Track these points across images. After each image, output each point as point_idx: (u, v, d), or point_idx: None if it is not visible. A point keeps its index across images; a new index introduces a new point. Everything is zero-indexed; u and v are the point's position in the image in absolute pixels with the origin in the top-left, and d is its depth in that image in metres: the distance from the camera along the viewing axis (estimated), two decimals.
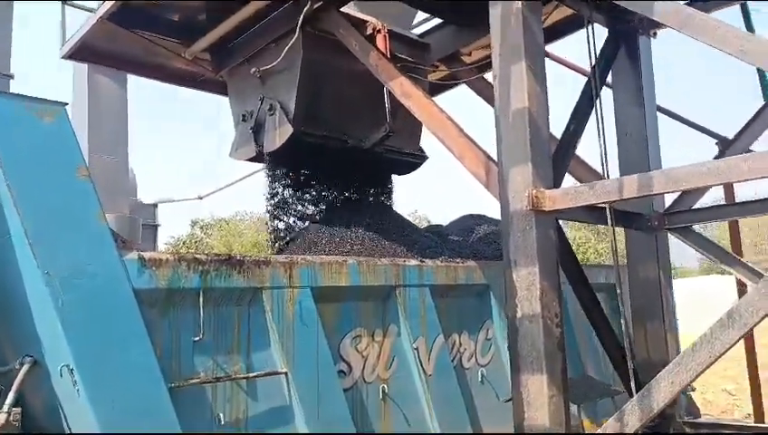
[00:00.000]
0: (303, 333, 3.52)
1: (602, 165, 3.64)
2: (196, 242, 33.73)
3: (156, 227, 9.80)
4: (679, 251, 5.86)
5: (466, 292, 4.63)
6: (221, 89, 5.85)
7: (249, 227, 34.12)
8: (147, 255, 2.98)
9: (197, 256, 3.14)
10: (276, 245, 4.90)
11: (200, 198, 11.16)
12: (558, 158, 3.74)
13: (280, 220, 4.96)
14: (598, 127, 3.64)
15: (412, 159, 5.56)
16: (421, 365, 4.09)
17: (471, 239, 6.11)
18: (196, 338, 3.10)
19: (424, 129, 5.38)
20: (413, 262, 4.26)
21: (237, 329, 3.31)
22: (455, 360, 4.43)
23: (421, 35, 5.73)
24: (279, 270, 3.46)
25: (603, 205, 3.59)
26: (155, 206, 9.73)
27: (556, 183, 3.42)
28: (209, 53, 5.36)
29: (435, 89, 5.84)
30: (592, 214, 3.76)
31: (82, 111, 8.35)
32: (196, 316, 3.10)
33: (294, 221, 5.12)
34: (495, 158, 3.41)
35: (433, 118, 3.78)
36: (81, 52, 5.28)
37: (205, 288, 3.13)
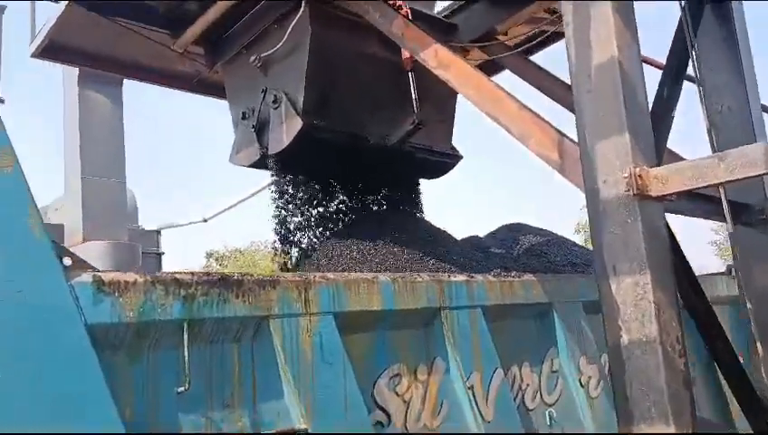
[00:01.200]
0: (326, 374, 2.64)
1: (710, 138, 2.77)
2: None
3: (160, 255, 9.01)
4: None
5: (525, 313, 3.75)
6: (219, 91, 5.08)
7: (265, 256, 33.60)
8: (106, 276, 2.13)
9: (179, 276, 2.29)
10: (286, 265, 4.06)
11: (205, 221, 10.37)
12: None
13: (289, 236, 4.12)
14: (700, 94, 2.79)
15: (444, 159, 4.72)
16: (478, 409, 3.19)
17: (516, 252, 5.23)
18: (181, 389, 2.24)
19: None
20: (460, 277, 3.38)
21: (237, 373, 2.45)
22: (517, 399, 3.53)
23: (446, 16, 4.93)
24: (291, 292, 2.60)
25: (712, 193, 2.72)
26: (158, 232, 8.96)
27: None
28: (202, 46, 4.59)
29: None
30: (697, 204, 2.88)
31: (74, 130, 7.62)
32: (179, 359, 2.25)
33: (306, 236, 4.28)
34: (572, 139, 2.57)
35: (483, 91, 2.94)
36: (53, 49, 4.54)
37: (191, 320, 2.28)
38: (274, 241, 4.11)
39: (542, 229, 6.03)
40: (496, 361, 3.38)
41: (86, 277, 2.09)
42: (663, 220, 2.39)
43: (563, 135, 2.65)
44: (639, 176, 2.29)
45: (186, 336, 2.25)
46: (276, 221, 4.21)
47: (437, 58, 3.10)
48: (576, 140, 2.57)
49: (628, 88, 2.37)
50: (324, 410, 2.59)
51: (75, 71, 7.54)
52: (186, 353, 2.24)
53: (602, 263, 2.39)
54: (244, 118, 4.33)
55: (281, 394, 2.53)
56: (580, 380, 3.88)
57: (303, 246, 4.27)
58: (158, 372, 2.23)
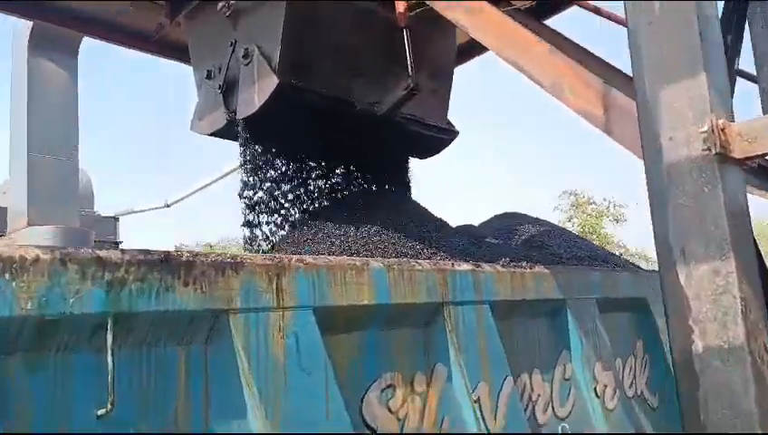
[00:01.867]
0: (303, 384, 2.04)
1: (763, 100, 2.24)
2: None
3: (117, 244, 8.26)
4: None
5: (536, 310, 3.20)
6: (180, 53, 4.42)
7: (237, 253, 32.99)
8: None
9: (103, 253, 1.66)
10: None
11: (168, 206, 9.60)
12: None
13: (259, 216, 3.50)
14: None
15: (439, 135, 4.14)
16: (485, 426, 2.62)
17: (513, 242, 4.68)
18: (102, 411, 1.61)
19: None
20: (465, 266, 2.80)
21: (184, 386, 1.83)
22: (527, 412, 2.97)
23: None
24: (259, 279, 1.99)
25: None
26: (116, 219, 8.21)
27: None
28: None
29: (468, 48, 4.44)
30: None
31: (21, 102, 6.83)
32: (100, 368, 1.62)
33: (278, 218, 3.65)
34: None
35: (504, 33, 2.36)
36: None
37: (117, 314, 1.65)
38: (248, 231, 3.48)
39: (538, 219, 5.49)
40: (506, 368, 2.82)
41: None
42: (744, 192, 1.85)
43: (608, 84, 2.09)
44: (722, 130, 1.74)
45: (110, 336, 1.63)
46: (244, 199, 3.58)
47: None
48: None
49: (703, 17, 1.82)
50: (299, 430, 2.00)
51: (25, 37, 6.77)
52: (110, 360, 1.62)
53: (666, 245, 1.83)
54: (208, 78, 3.68)
55: (242, 411, 1.92)
56: (595, 389, 3.35)
57: (273, 228, 3.65)
58: (70, 386, 1.61)
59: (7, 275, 1.48)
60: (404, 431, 2.38)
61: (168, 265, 1.77)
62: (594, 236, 32.32)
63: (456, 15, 2.61)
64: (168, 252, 1.82)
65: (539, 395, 3.10)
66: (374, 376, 2.37)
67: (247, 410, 1.93)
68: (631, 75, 1.98)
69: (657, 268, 1.94)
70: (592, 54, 2.59)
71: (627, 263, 4.99)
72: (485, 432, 2.59)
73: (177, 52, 4.61)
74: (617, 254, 5.24)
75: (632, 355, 3.89)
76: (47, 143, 6.85)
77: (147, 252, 1.76)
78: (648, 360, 4.01)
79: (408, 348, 2.54)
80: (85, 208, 7.79)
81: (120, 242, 8.29)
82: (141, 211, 9.18)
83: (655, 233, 1.88)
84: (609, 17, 4.29)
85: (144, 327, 1.73)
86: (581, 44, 3.22)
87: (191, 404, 1.82)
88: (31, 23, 5.86)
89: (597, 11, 4.28)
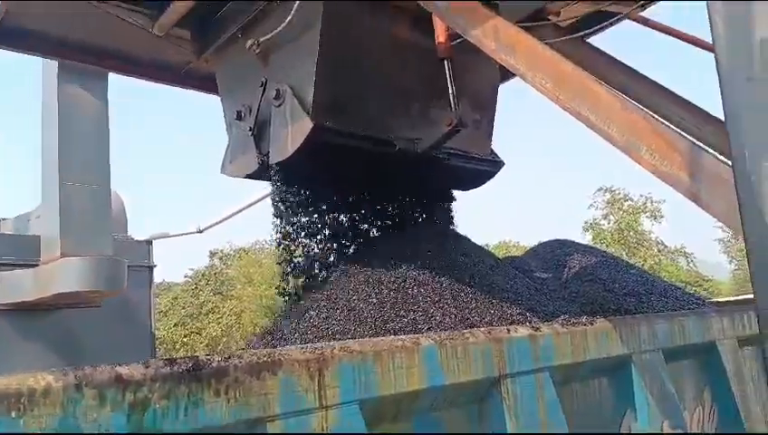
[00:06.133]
0: None
1: None
2: (215, 273, 33.41)
3: (151, 268, 8.18)
4: None
5: (597, 370, 2.92)
6: (211, 83, 4.25)
7: (269, 255, 33.18)
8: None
9: (123, 370, 1.46)
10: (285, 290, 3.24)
11: (200, 232, 9.51)
12: None
13: (297, 265, 3.29)
14: None
15: (483, 167, 3.88)
16: None
17: (564, 276, 4.40)
18: None
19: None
20: (522, 331, 2.54)
21: None
22: None
23: None
24: (299, 378, 1.77)
25: None
26: (149, 243, 8.15)
27: None
28: (188, 29, 3.75)
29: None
30: None
31: (52, 129, 6.77)
32: None
33: (317, 263, 3.44)
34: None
35: (566, 81, 2.10)
36: (10, 35, 3.71)
37: None
38: (282, 279, 3.28)
39: (588, 246, 5.20)
40: None
41: None
42: None
43: (697, 145, 1.81)
44: None
45: None
46: (278, 245, 3.38)
47: (498, 36, 2.26)
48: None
49: None
50: None
51: (55, 63, 6.72)
52: None
53: None
54: (239, 118, 3.49)
55: None
56: None
57: (311, 274, 3.44)
58: None
59: (14, 414, 1.29)
60: None
61: (195, 375, 1.56)
62: (631, 234, 31.65)
63: (499, 56, 2.35)
64: (197, 358, 1.61)
65: None
66: None
67: None
68: (721, 118, 1.71)
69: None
70: (666, 89, 2.29)
71: (686, 294, 4.65)
72: None
73: (210, 82, 4.45)
74: (676, 285, 4.89)
75: (700, 405, 3.58)
76: (79, 171, 6.78)
77: (173, 362, 1.56)
78: (716, 408, 3.68)
79: (462, 429, 2.30)
80: (119, 233, 7.71)
81: (155, 266, 8.22)
82: (174, 236, 9.13)
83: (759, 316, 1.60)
84: (670, 32, 3.96)
85: None
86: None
87: None
88: None
89: (665, 29, 3.94)
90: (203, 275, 32.97)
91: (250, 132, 3.33)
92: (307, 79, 3.09)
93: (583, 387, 2.85)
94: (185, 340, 28.40)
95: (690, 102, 2.56)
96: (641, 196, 32.19)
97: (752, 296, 1.56)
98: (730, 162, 1.64)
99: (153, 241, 8.08)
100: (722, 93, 1.69)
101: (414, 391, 2.06)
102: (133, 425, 1.44)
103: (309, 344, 1.93)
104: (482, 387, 2.32)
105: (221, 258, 35.30)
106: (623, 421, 2.99)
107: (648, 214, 32.21)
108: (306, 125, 3.02)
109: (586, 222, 32.65)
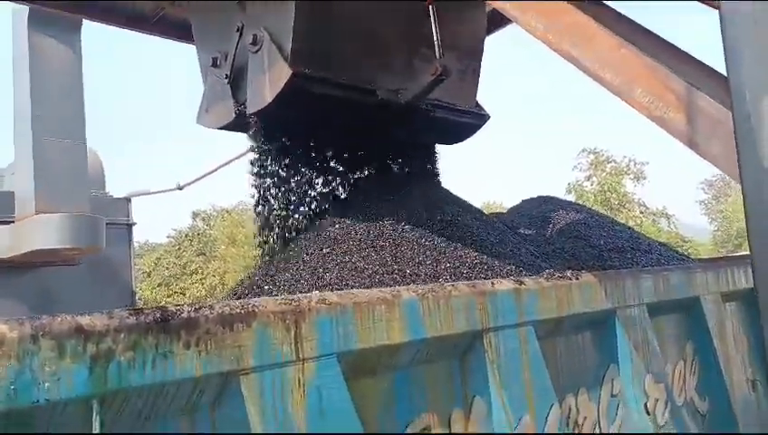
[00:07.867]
0: None
1: None
2: (198, 234, 33.29)
3: (130, 226, 8.03)
4: None
5: (581, 324, 2.88)
6: (184, 31, 4.07)
7: (252, 216, 33.11)
8: None
9: (84, 319, 1.37)
10: (269, 258, 3.15)
11: (180, 188, 9.34)
12: None
13: (271, 216, 3.19)
14: None
15: (468, 119, 3.77)
16: None
17: (549, 232, 4.36)
18: None
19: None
20: (506, 284, 2.49)
21: None
22: None
23: None
24: (275, 329, 1.69)
25: None
26: (128, 200, 7.97)
27: None
28: None
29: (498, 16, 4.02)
30: None
31: (24, 83, 6.54)
32: None
33: (296, 218, 3.34)
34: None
35: (564, 24, 1.99)
36: None
37: (105, 395, 1.37)
38: (261, 235, 3.19)
39: (573, 203, 5.15)
40: (552, 394, 2.53)
41: None
42: None
43: (693, 85, 1.72)
44: None
45: (97, 423, 1.35)
46: (256, 197, 3.29)
47: None
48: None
49: None
50: None
51: (24, 14, 6.43)
52: None
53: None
54: (214, 65, 3.34)
55: None
56: (645, 405, 3.06)
57: (289, 228, 3.35)
58: None
59: None
60: None
61: (164, 325, 1.48)
62: (613, 195, 31.84)
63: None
64: (165, 308, 1.52)
65: (585, 417, 2.82)
66: (407, 420, 2.10)
67: None
68: (724, 75, 1.62)
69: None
70: (670, 44, 2.19)
71: (671, 251, 4.63)
72: None
73: (183, 30, 4.26)
74: (660, 242, 4.86)
75: (682, 359, 3.58)
76: (52, 125, 6.58)
77: (139, 312, 1.47)
78: (697, 363, 3.70)
79: (442, 383, 2.25)
80: (97, 190, 7.55)
81: (134, 223, 8.07)
82: (154, 193, 8.95)
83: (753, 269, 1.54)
84: None
85: (137, 405, 1.45)
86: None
87: None
88: None
89: None
90: (186, 236, 32.83)
91: (226, 80, 3.19)
92: (285, 23, 2.94)
93: (567, 341, 2.82)
94: (168, 300, 28.39)
95: (697, 59, 2.45)
96: (624, 157, 32.33)
97: (731, 255, 1.50)
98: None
99: (132, 198, 7.93)
100: (722, 31, 1.60)
101: (394, 345, 2.00)
102: (96, 378, 1.36)
103: (285, 295, 1.85)
104: (464, 341, 2.27)
105: (204, 219, 35.12)
106: (606, 375, 2.98)
107: (631, 175, 32.38)
108: (284, 72, 2.88)
109: (569, 184, 32.79)
